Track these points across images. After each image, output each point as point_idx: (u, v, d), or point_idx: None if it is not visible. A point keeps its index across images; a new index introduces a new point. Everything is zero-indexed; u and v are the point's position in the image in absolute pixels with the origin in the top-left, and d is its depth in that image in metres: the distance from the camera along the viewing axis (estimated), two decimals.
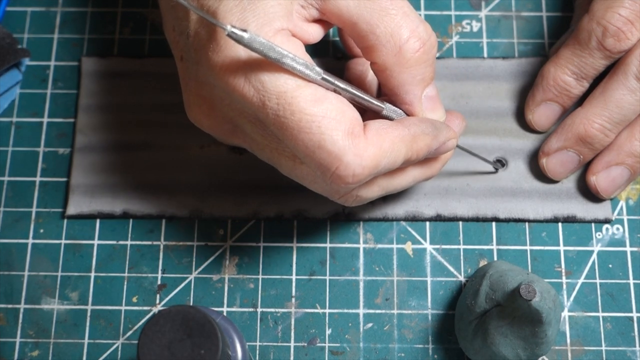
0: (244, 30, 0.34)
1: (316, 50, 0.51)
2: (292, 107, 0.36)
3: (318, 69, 0.37)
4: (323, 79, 0.37)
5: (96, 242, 0.48)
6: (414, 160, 0.40)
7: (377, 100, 0.40)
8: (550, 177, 0.48)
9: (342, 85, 0.39)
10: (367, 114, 0.41)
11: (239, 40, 0.35)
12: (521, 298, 0.40)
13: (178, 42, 0.41)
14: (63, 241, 0.48)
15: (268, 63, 0.37)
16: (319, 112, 0.37)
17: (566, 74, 0.47)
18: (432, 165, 0.43)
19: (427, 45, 0.40)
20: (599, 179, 0.47)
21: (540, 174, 0.48)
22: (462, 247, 0.47)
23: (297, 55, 0.36)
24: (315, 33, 0.40)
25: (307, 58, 0.38)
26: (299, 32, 0.39)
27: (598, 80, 0.47)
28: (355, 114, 0.38)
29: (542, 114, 0.48)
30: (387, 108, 0.41)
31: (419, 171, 0.43)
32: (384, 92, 0.42)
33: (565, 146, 0.47)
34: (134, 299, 0.47)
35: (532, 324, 0.41)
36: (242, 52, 0.37)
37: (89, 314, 0.46)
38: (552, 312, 0.41)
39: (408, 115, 0.42)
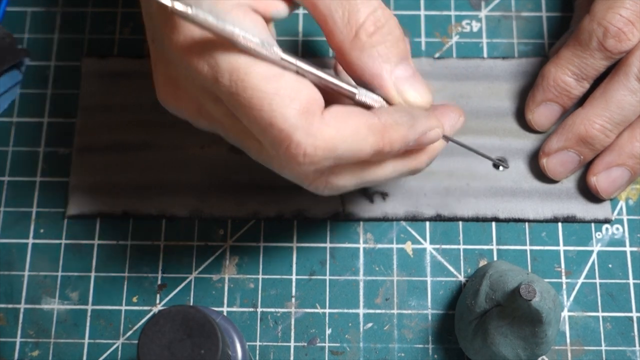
0: (189, 6, 0.33)
1: (315, 50, 0.51)
2: (245, 84, 0.35)
3: (277, 48, 0.36)
4: (282, 59, 0.36)
5: (96, 242, 0.48)
6: (389, 152, 0.38)
7: (348, 84, 0.39)
8: (551, 177, 0.48)
9: (305, 67, 0.37)
10: (346, 102, 0.39)
11: (184, 17, 0.34)
12: (521, 298, 0.40)
13: (148, 26, 0.41)
14: (63, 241, 0.48)
15: (223, 40, 0.36)
16: (271, 89, 0.35)
17: (566, 74, 0.47)
18: (416, 157, 0.41)
19: (386, 28, 0.38)
20: (600, 180, 0.47)
21: (540, 174, 0.48)
22: (462, 247, 0.47)
23: (251, 32, 0.35)
24: (280, 8, 0.38)
25: (267, 34, 0.36)
26: (261, 8, 0.37)
27: (598, 81, 0.47)
28: (313, 94, 0.37)
29: (542, 114, 0.48)
30: (360, 92, 0.39)
31: (401, 163, 0.40)
32: (357, 83, 0.40)
33: (566, 146, 0.47)
34: (134, 299, 0.47)
35: (532, 324, 0.41)
36: (197, 30, 0.36)
37: (89, 314, 0.46)
38: (552, 312, 0.41)
39: (387, 101, 0.40)
